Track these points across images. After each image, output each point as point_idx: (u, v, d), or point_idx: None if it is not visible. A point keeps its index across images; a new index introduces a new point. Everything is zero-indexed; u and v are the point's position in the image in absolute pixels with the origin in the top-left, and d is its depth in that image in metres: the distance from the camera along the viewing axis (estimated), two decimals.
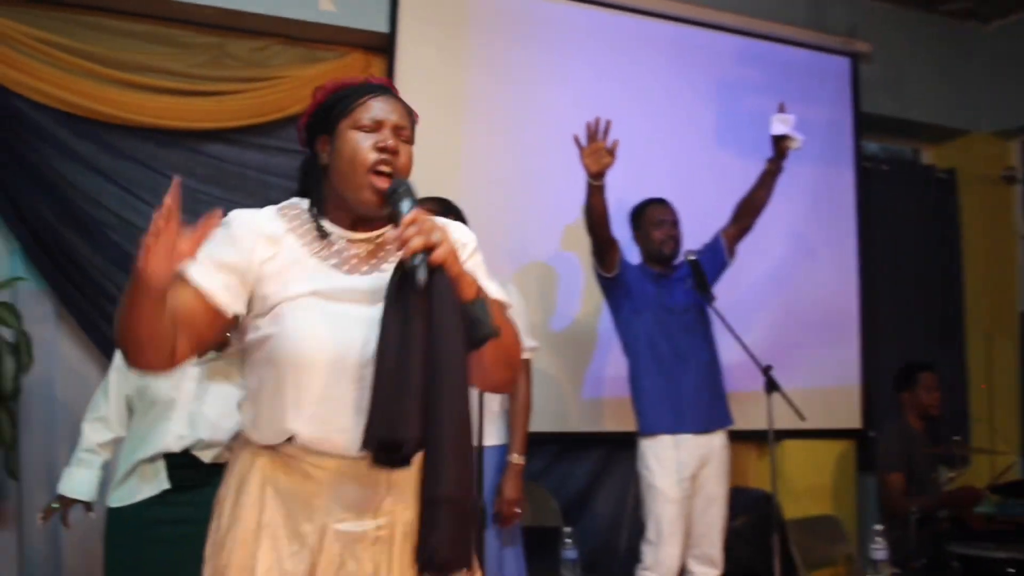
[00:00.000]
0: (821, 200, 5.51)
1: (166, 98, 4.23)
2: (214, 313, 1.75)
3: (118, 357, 3.13)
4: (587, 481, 4.90)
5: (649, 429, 3.98)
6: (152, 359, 1.69)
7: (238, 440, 1.91)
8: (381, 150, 1.81)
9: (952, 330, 6.12)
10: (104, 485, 3.16)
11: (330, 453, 1.75)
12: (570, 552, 3.20)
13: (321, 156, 1.89)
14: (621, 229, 4.15)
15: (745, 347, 3.92)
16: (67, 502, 3.14)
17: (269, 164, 4.35)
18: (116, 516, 3.04)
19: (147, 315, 1.62)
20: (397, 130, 1.85)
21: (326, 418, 1.74)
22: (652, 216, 4.16)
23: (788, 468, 5.32)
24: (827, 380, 5.39)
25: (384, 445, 1.67)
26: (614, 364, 4.43)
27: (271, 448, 1.78)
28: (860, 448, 5.63)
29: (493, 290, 1.89)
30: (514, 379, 2.02)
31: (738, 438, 4.41)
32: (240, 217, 1.83)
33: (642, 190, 4.32)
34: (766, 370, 3.93)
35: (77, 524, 3.25)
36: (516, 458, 3.61)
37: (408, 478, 1.79)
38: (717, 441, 4.01)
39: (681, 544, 3.88)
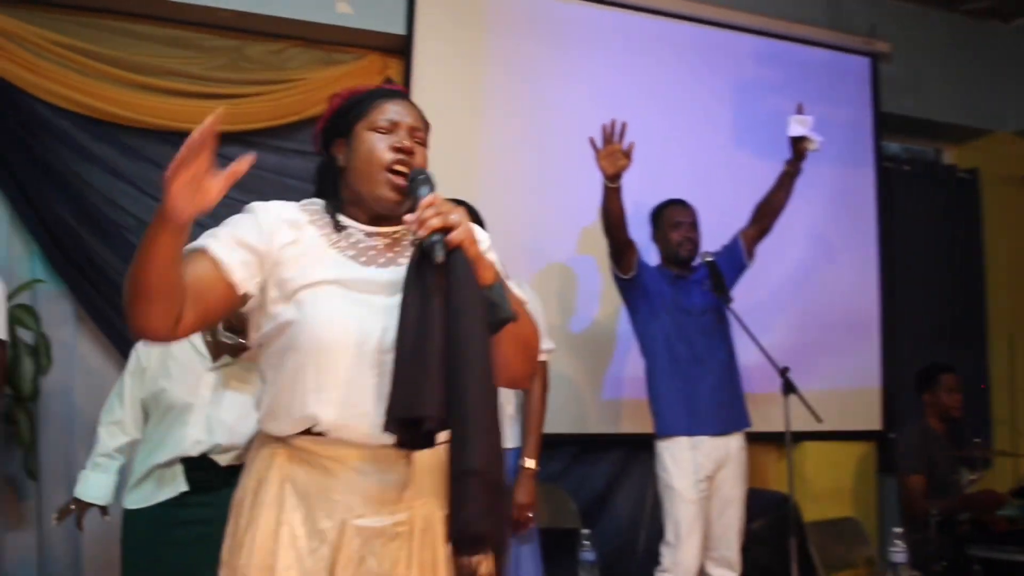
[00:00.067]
0: (841, 201, 5.48)
1: (184, 101, 4.24)
2: (227, 288, 1.75)
3: (132, 361, 3.13)
4: (605, 483, 4.89)
5: (666, 431, 3.97)
6: (157, 319, 1.66)
7: (255, 441, 1.91)
8: (397, 151, 1.84)
9: (974, 331, 6.08)
10: (120, 488, 3.17)
11: (352, 440, 1.75)
12: (588, 554, 3.19)
13: (338, 158, 1.91)
14: (640, 230, 4.14)
15: (762, 349, 3.90)
16: (83, 505, 3.14)
17: (286, 166, 4.36)
18: (133, 518, 3.03)
19: (163, 256, 1.60)
20: (412, 131, 1.88)
21: (348, 402, 1.74)
22: (670, 217, 4.15)
23: (808, 470, 5.30)
24: (847, 382, 5.37)
25: (405, 423, 1.67)
26: (633, 365, 4.42)
27: (289, 445, 1.79)
28: (881, 450, 5.59)
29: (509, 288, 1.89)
30: (532, 372, 2.03)
31: (757, 440, 4.40)
32: (263, 204, 1.85)
33: (660, 191, 4.32)
34: (783, 372, 3.91)
35: (96, 524, 3.26)
36: (529, 462, 3.60)
37: (428, 472, 1.79)
38: (734, 443, 3.99)
39: (699, 545, 3.87)
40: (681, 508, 3.86)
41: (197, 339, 3.00)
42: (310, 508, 1.76)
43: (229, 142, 4.30)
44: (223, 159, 4.44)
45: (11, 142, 3.99)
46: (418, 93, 4.38)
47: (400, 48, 4.57)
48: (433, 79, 4.53)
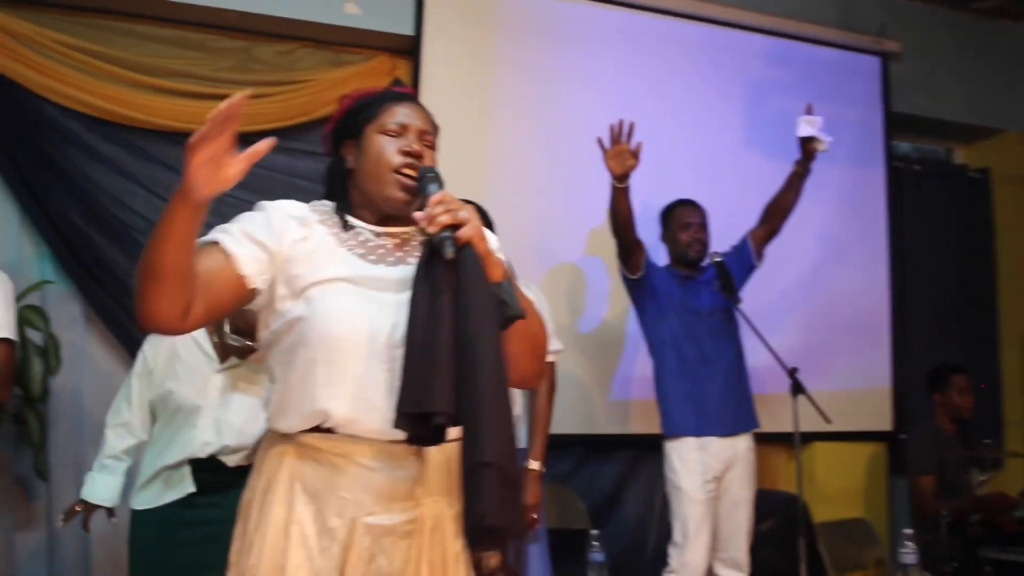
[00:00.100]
0: (851, 201, 5.46)
1: (193, 102, 4.25)
2: (237, 281, 1.75)
3: (139, 363, 3.13)
4: (614, 483, 4.89)
5: (674, 431, 3.96)
6: (167, 305, 1.65)
7: (263, 442, 1.91)
8: (406, 154, 1.85)
9: (985, 331, 6.05)
10: (127, 489, 3.17)
11: (362, 436, 1.75)
12: (597, 554, 3.18)
13: (347, 160, 1.92)
14: (649, 230, 4.13)
15: (771, 349, 3.89)
16: (90, 507, 3.14)
17: (295, 167, 4.36)
18: (141, 519, 3.04)
19: (178, 235, 1.60)
20: (421, 135, 1.89)
21: (359, 397, 1.74)
22: (680, 218, 4.14)
23: (819, 471, 5.29)
24: (858, 382, 5.36)
25: (415, 419, 1.66)
26: (641, 366, 4.42)
27: (298, 443, 1.78)
28: (891, 451, 5.58)
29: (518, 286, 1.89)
30: (541, 371, 2.02)
31: (768, 440, 4.39)
32: (272, 202, 1.86)
33: (668, 191, 4.32)
34: (792, 372, 3.90)
35: (105, 524, 3.26)
36: (534, 464, 3.59)
37: (438, 469, 1.79)
38: (742, 444, 3.98)
39: (708, 546, 3.86)
40: (689, 509, 3.86)
41: (204, 341, 3.00)
42: (320, 506, 1.76)
43: (238, 143, 4.33)
44: None
45: (20, 143, 4.00)
46: (426, 94, 4.38)
47: (408, 49, 4.58)
48: (441, 80, 4.53)
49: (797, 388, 3.87)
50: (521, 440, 3.63)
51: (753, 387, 4.13)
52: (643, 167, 3.77)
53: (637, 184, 3.81)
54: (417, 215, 1.73)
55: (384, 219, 1.89)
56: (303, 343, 1.77)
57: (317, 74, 4.52)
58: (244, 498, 1.86)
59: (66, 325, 4.05)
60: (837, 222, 5.38)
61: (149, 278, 1.63)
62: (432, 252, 1.72)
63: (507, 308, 1.74)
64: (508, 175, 4.63)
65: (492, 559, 1.79)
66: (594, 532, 3.22)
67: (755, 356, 4.13)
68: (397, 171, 1.84)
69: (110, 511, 3.17)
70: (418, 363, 1.67)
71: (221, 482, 2.92)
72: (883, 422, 5.49)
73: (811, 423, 3.90)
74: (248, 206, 1.86)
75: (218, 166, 1.57)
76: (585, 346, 4.73)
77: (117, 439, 3.14)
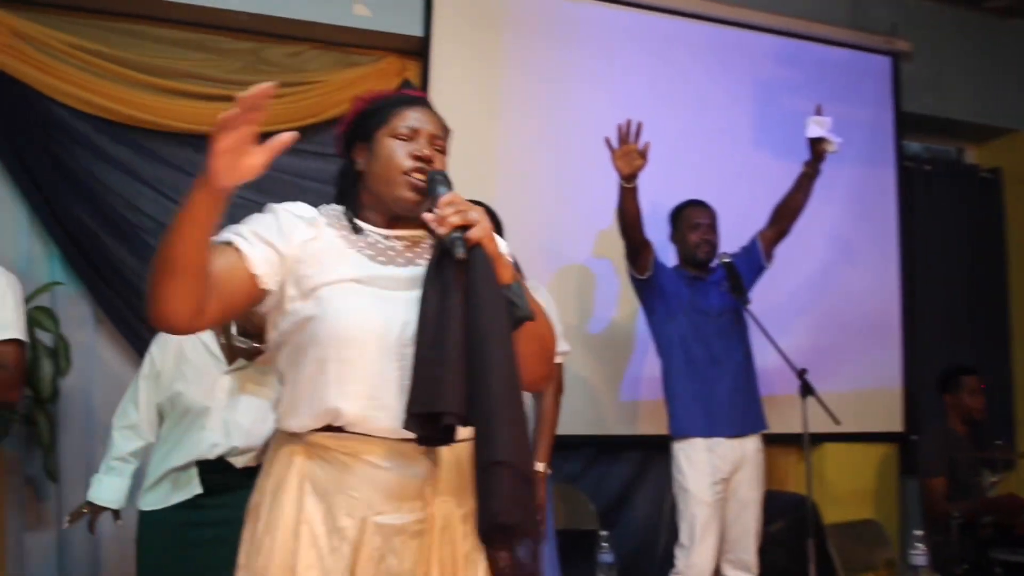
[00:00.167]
0: (862, 201, 5.45)
1: (202, 104, 4.26)
2: (250, 280, 1.76)
3: (146, 365, 3.14)
4: (624, 484, 4.89)
5: (682, 432, 3.96)
6: (181, 301, 1.64)
7: (272, 443, 1.91)
8: (416, 159, 1.86)
9: (996, 332, 6.03)
10: (133, 491, 3.18)
11: (373, 434, 1.75)
12: (606, 555, 3.19)
13: (358, 163, 1.93)
14: (658, 231, 4.13)
15: (780, 350, 3.88)
16: (96, 509, 3.15)
17: (304, 168, 4.35)
18: (148, 520, 3.04)
19: (197, 225, 1.61)
20: (432, 139, 1.90)
21: (370, 395, 1.74)
22: (689, 218, 4.13)
23: (830, 472, 5.28)
24: (869, 383, 5.34)
25: (424, 419, 1.66)
26: (650, 367, 4.41)
27: (308, 442, 1.78)
28: (902, 452, 5.56)
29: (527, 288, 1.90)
30: (549, 374, 2.03)
31: (778, 442, 4.38)
32: (281, 204, 1.87)
33: (678, 192, 4.31)
34: (801, 373, 3.89)
35: (115, 525, 3.26)
36: (539, 466, 3.57)
37: (447, 469, 1.79)
38: (751, 445, 3.97)
39: (715, 548, 3.85)
40: (696, 510, 3.85)
41: (212, 343, 3.01)
42: (329, 506, 1.76)
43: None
44: None
45: (30, 145, 4.01)
46: (435, 95, 4.38)
47: (417, 50, 4.58)
48: (450, 80, 4.53)
49: (806, 389, 3.87)
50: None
51: (763, 388, 4.12)
52: (652, 167, 3.77)
53: (646, 185, 3.80)
54: (427, 216, 1.73)
55: (394, 222, 1.90)
56: (313, 342, 1.77)
57: (326, 75, 4.52)
58: (253, 500, 1.86)
59: (76, 326, 4.06)
60: (847, 222, 5.36)
61: (165, 272, 1.62)
62: (442, 253, 1.72)
63: (517, 310, 1.75)
64: (517, 176, 4.63)
65: (502, 558, 1.78)
66: (603, 533, 3.23)
67: (765, 357, 4.12)
68: (407, 174, 1.85)
69: (116, 513, 3.18)
70: (428, 363, 1.67)
71: (229, 483, 2.93)
72: (894, 423, 5.47)
73: (821, 424, 3.89)
74: (257, 207, 1.86)
75: (241, 154, 1.57)
76: (594, 347, 4.73)
77: (124, 441, 3.14)
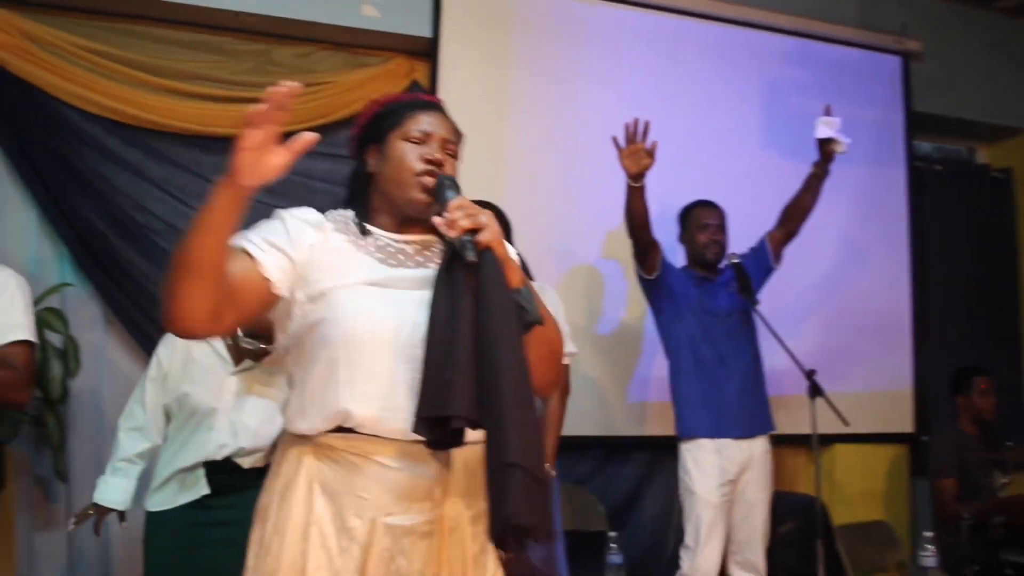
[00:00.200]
0: (872, 202, 5.44)
1: (212, 105, 4.27)
2: (264, 286, 1.76)
3: (153, 367, 3.15)
4: (633, 485, 4.88)
5: (689, 433, 3.95)
6: (198, 303, 1.63)
7: (281, 445, 1.91)
8: (428, 162, 1.86)
9: (1008, 333, 6.01)
10: (140, 492, 3.18)
11: (383, 435, 1.75)
12: (615, 556, 3.18)
13: (369, 164, 1.94)
14: (667, 231, 4.12)
15: (788, 351, 3.86)
16: (102, 510, 3.15)
17: (314, 169, 4.35)
18: (155, 520, 3.05)
19: (218, 227, 1.61)
20: (444, 143, 1.91)
21: (380, 396, 1.74)
22: (698, 219, 4.12)
23: (840, 473, 5.27)
24: (880, 384, 5.34)
25: (433, 422, 1.66)
26: (659, 368, 4.40)
27: (317, 444, 1.78)
28: (913, 453, 5.54)
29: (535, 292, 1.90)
30: (557, 379, 2.03)
31: (788, 443, 4.37)
32: (287, 211, 1.87)
33: (686, 192, 4.30)
34: (809, 374, 3.87)
35: (126, 525, 3.27)
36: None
37: (456, 471, 1.79)
38: (758, 447, 3.96)
39: (720, 550, 3.84)
40: (701, 512, 3.84)
41: (219, 344, 3.02)
42: (339, 506, 1.76)
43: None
44: None
45: (40, 146, 4.02)
46: (444, 95, 4.37)
47: (426, 51, 4.58)
48: (459, 81, 4.54)
49: (815, 390, 3.85)
50: None
51: (772, 389, 4.11)
52: (661, 168, 3.76)
53: (655, 185, 3.79)
54: (436, 220, 1.74)
55: (404, 225, 1.91)
56: (324, 344, 1.77)
57: (335, 76, 4.52)
58: (261, 501, 1.86)
59: (85, 327, 4.07)
60: (858, 223, 5.35)
61: (183, 273, 1.61)
62: (452, 256, 1.73)
63: (526, 314, 1.76)
64: (525, 176, 4.63)
65: (515, 560, 1.78)
66: (612, 534, 3.22)
67: (774, 358, 4.10)
68: (418, 176, 1.86)
69: (121, 514, 3.18)
70: (437, 366, 1.68)
71: (236, 484, 2.94)
72: (905, 424, 5.46)
73: (831, 425, 3.87)
74: (266, 207, 1.86)
75: (264, 153, 1.58)
76: (603, 348, 4.73)
77: (130, 442, 3.15)
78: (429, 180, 1.84)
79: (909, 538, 5.27)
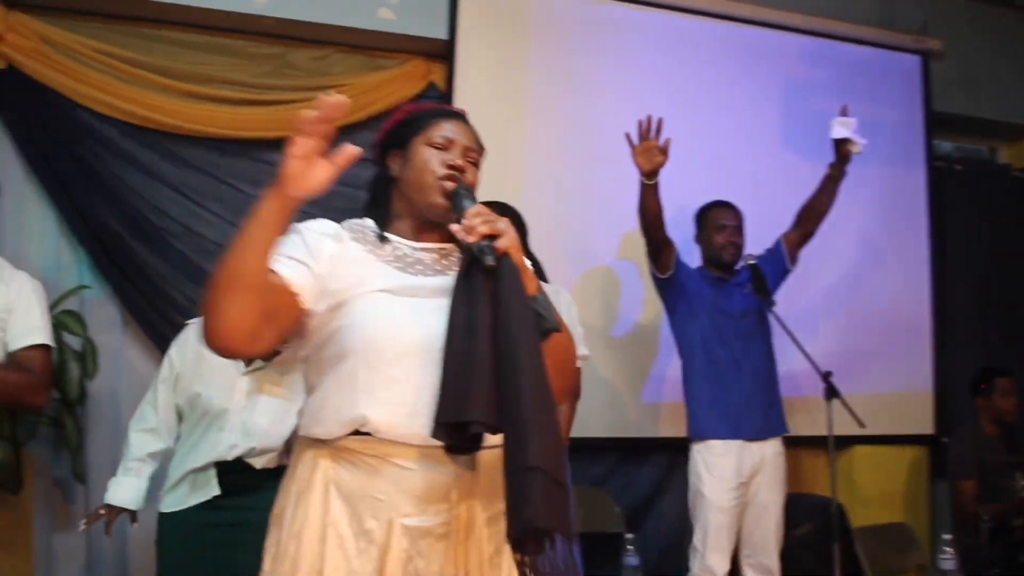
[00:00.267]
0: (892, 202, 5.41)
1: (229, 108, 4.29)
2: (294, 303, 1.77)
3: (165, 368, 3.16)
4: (651, 487, 4.87)
5: (700, 434, 3.94)
6: (239, 317, 1.63)
7: (296, 448, 1.91)
8: (450, 167, 1.88)
9: None
10: (152, 493, 3.20)
11: (400, 441, 1.75)
12: (631, 558, 3.18)
13: (392, 169, 1.96)
14: (683, 232, 4.11)
15: (805, 353, 3.84)
16: (114, 511, 3.16)
17: None
18: (168, 521, 3.07)
19: (262, 239, 1.62)
20: (466, 151, 1.93)
21: (398, 402, 1.74)
22: (715, 219, 4.10)
23: (859, 475, 5.24)
24: (899, 385, 5.30)
25: (451, 428, 1.67)
26: (675, 369, 4.38)
27: (334, 447, 1.78)
28: (933, 454, 5.50)
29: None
30: (570, 387, 2.02)
31: (806, 444, 4.35)
32: (303, 224, 1.87)
33: (703, 192, 4.29)
34: (826, 376, 3.85)
35: (141, 526, 3.28)
36: None
37: (473, 473, 1.79)
38: (771, 449, 3.94)
39: (728, 552, 3.83)
40: (710, 514, 3.83)
41: None
42: (355, 508, 1.76)
43: (274, 148, 4.35)
44: (269, 165, 4.50)
45: (58, 150, 4.05)
46: (461, 97, 4.39)
47: (443, 53, 4.58)
48: (476, 83, 4.54)
49: (831, 392, 3.83)
50: None
51: (790, 390, 4.10)
52: (677, 168, 3.75)
53: (671, 186, 3.78)
54: (454, 227, 1.76)
55: (422, 232, 1.93)
56: (342, 351, 1.78)
57: (352, 79, 4.52)
58: (277, 505, 1.86)
59: (103, 329, 4.09)
60: (877, 223, 5.32)
61: (227, 287, 1.62)
62: (471, 263, 1.75)
63: (544, 321, 1.77)
64: (542, 178, 4.62)
65: (534, 563, 1.78)
66: (629, 536, 3.21)
67: (791, 359, 4.08)
68: (440, 180, 1.87)
69: (133, 515, 3.19)
70: (456, 372, 1.68)
71: (248, 484, 2.95)
72: (925, 425, 5.43)
73: (850, 427, 3.85)
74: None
75: (311, 163, 1.61)
76: (618, 349, 4.71)
77: (142, 443, 3.16)
78: (450, 184, 1.86)
79: (929, 540, 5.23)
